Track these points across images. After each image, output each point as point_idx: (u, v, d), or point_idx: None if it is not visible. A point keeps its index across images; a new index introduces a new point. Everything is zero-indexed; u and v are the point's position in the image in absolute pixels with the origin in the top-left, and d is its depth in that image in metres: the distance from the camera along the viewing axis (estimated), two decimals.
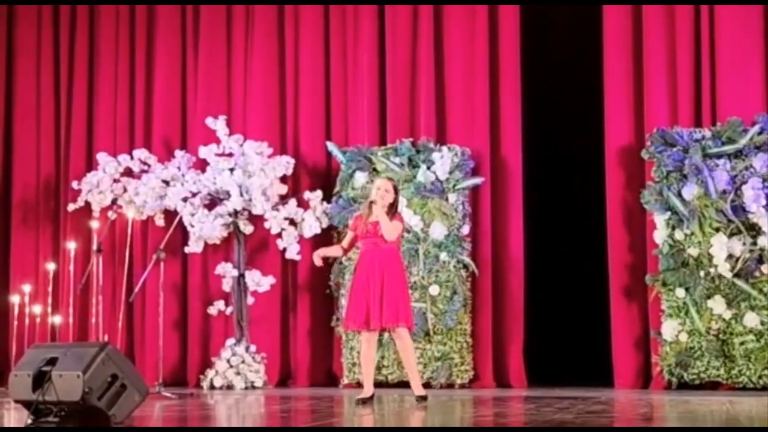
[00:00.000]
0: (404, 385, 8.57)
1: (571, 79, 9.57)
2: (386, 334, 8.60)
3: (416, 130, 9.04)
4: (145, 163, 9.44)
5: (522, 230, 8.79)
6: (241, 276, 9.08)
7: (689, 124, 8.34)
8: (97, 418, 5.70)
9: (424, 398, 6.96)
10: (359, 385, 8.70)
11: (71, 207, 9.57)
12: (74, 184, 9.57)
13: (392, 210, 7.00)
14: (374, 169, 8.86)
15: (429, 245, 8.63)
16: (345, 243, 7.26)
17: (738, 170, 8.00)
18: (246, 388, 8.78)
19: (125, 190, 9.39)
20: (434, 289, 8.56)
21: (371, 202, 6.99)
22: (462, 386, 8.53)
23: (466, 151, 8.77)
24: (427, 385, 8.50)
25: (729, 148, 8.03)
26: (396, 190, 7.09)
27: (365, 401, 6.93)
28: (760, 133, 7.98)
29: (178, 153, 9.40)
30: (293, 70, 9.49)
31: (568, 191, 9.41)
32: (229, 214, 9.05)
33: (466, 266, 8.64)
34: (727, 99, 8.27)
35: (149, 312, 9.36)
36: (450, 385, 8.54)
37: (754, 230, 7.89)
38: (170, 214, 9.21)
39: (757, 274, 7.88)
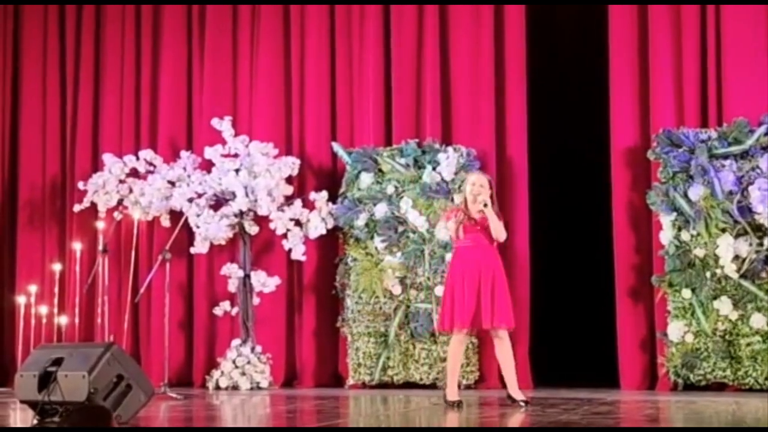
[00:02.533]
0: (410, 386, 8.58)
1: (576, 80, 9.56)
2: (387, 335, 8.61)
3: (422, 131, 9.03)
4: (150, 164, 9.45)
5: (528, 231, 8.77)
6: (247, 277, 9.08)
7: (695, 124, 8.32)
8: (99, 418, 5.69)
9: (526, 402, 6.85)
10: (365, 385, 8.71)
11: (77, 208, 9.58)
12: (80, 185, 9.58)
13: (493, 205, 6.91)
14: (380, 170, 8.85)
15: (434, 246, 8.62)
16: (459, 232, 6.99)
17: (744, 171, 7.97)
18: (251, 388, 8.78)
19: (131, 191, 9.40)
20: (440, 290, 8.53)
21: (477, 203, 6.87)
22: (468, 387, 8.51)
23: (472, 151, 8.76)
24: (432, 386, 8.52)
25: (735, 149, 8.01)
26: (491, 184, 7.03)
27: (459, 404, 6.86)
28: (766, 134, 7.95)
29: (184, 154, 9.41)
30: (299, 70, 9.49)
31: (573, 192, 9.39)
32: (235, 215, 9.05)
33: None
34: (733, 99, 8.25)
35: (155, 312, 9.36)
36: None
37: (760, 231, 7.87)
38: (176, 215, 9.21)
39: (763, 275, 7.85)
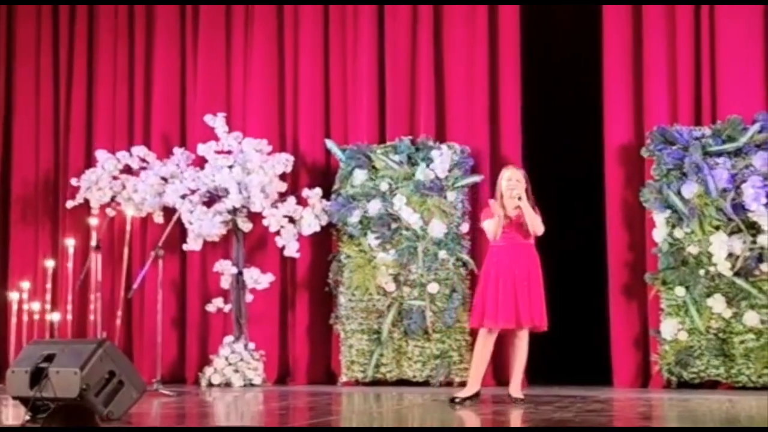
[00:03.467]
0: (403, 383, 8.58)
1: (571, 78, 9.55)
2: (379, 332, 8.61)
3: (416, 128, 9.02)
4: (144, 160, 9.43)
5: None
6: (240, 273, 9.06)
7: (689, 122, 8.32)
8: (82, 416, 5.69)
9: (522, 400, 6.88)
10: (358, 383, 8.71)
11: (70, 204, 9.55)
12: (73, 181, 9.56)
13: (529, 199, 6.89)
14: (373, 167, 8.85)
15: (428, 243, 8.62)
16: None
17: (738, 168, 7.98)
18: (244, 385, 8.77)
19: (124, 187, 9.38)
20: (433, 287, 8.55)
21: (512, 197, 6.87)
22: (461, 384, 8.48)
23: (466, 149, 8.76)
24: (425, 384, 8.52)
25: (729, 147, 8.01)
26: (526, 179, 7.00)
27: (472, 398, 6.90)
28: (760, 132, 7.96)
29: (177, 150, 9.39)
30: (292, 67, 9.48)
31: (567, 189, 9.38)
32: (228, 212, 9.04)
33: (465, 264, 8.63)
34: (727, 97, 8.26)
35: (148, 309, 9.34)
36: (449, 383, 8.53)
37: (754, 229, 7.87)
38: (169, 212, 9.19)
39: (757, 272, 7.86)
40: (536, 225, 6.86)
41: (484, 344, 6.98)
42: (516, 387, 7.00)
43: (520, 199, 6.84)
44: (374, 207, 8.75)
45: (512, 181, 6.92)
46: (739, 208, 7.91)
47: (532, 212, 6.86)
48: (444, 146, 8.73)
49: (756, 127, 7.98)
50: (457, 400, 6.90)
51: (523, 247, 6.92)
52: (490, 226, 6.96)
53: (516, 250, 6.90)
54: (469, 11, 9.02)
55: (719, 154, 8.04)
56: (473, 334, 8.56)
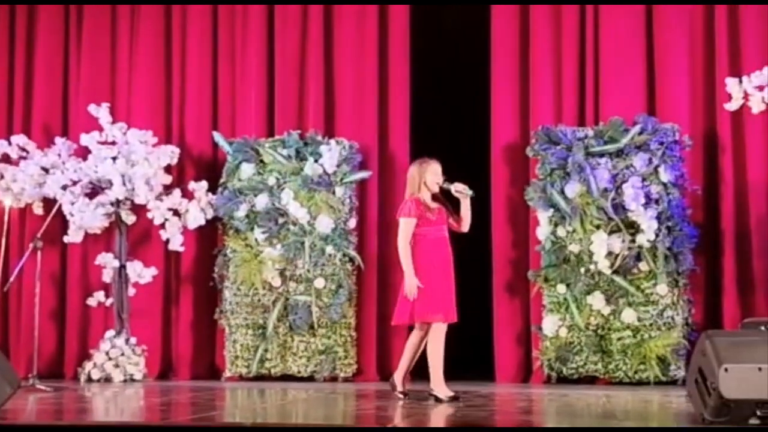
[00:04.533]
0: (288, 378, 8.54)
1: (459, 77, 9.64)
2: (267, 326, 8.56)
3: (304, 123, 8.99)
4: (23, 150, 9.16)
5: None
6: (122, 267, 8.89)
7: (573, 122, 8.49)
8: None
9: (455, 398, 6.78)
10: (242, 378, 8.64)
11: None
12: None
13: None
14: (261, 161, 8.78)
15: (315, 238, 8.59)
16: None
17: (619, 169, 8.17)
18: (125, 381, 8.61)
19: (2, 177, 9.10)
20: (319, 282, 8.53)
21: (440, 190, 6.85)
22: (345, 380, 8.52)
23: (354, 144, 8.77)
24: (310, 379, 8.50)
25: (610, 147, 8.20)
26: None
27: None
28: (640, 133, 8.16)
29: (59, 140, 9.15)
30: (180, 58, 9.34)
31: None
32: (111, 204, 8.86)
33: (352, 260, 8.63)
34: (609, 99, 8.46)
35: (25, 302, 9.09)
36: (333, 379, 8.53)
37: (633, 228, 8.07)
38: (49, 203, 8.95)
39: (635, 271, 8.06)
40: (469, 221, 6.94)
41: (421, 337, 6.91)
42: (438, 384, 6.85)
43: (460, 192, 6.88)
44: (261, 201, 8.69)
45: (437, 175, 6.95)
46: (619, 207, 8.10)
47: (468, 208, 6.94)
48: (333, 141, 8.72)
49: (636, 128, 8.18)
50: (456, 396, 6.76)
51: (448, 239, 6.94)
52: (401, 245, 6.83)
53: (446, 242, 6.92)
54: (359, 11, 9.04)
55: (601, 154, 8.22)
56: (358, 329, 8.61)
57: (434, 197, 6.99)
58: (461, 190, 6.96)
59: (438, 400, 6.68)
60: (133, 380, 8.66)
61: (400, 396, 6.94)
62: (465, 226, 7.04)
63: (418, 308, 6.79)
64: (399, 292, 6.96)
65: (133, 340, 8.81)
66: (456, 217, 7.03)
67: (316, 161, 8.66)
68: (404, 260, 6.81)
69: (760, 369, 4.96)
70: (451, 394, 6.72)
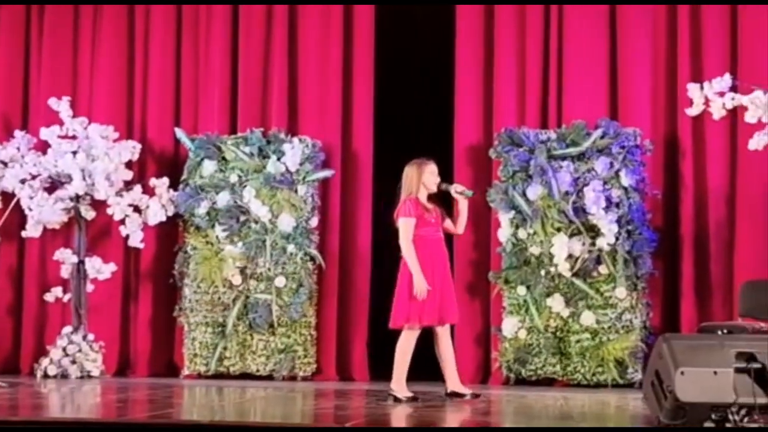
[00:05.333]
0: (246, 377, 8.50)
1: (424, 77, 9.63)
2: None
3: (267, 121, 8.95)
4: None
5: (370, 224, 8.81)
6: (81, 262, 8.81)
7: (536, 125, 8.52)
8: None
9: (476, 395, 6.77)
10: (200, 376, 8.59)
11: None
12: None
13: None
14: (223, 158, 8.74)
15: (277, 236, 8.56)
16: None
17: (580, 172, 8.21)
18: (82, 377, 8.54)
19: None
20: (280, 281, 8.50)
21: (438, 191, 6.81)
22: (304, 379, 8.50)
23: (317, 143, 8.74)
24: (269, 377, 8.47)
25: (572, 151, 8.23)
26: None
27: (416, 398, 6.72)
28: (602, 137, 8.20)
29: (18, 133, 9.04)
30: (143, 54, 9.26)
31: None
32: (71, 199, 8.78)
33: (313, 259, 8.61)
34: (572, 101, 8.49)
35: None
36: (292, 378, 8.50)
37: (593, 231, 8.11)
38: (7, 197, 8.85)
39: (594, 274, 8.11)
40: (465, 223, 6.93)
41: (411, 341, 6.82)
42: (455, 383, 6.87)
43: (460, 193, 6.86)
44: (223, 199, 8.64)
45: (435, 175, 6.89)
46: (580, 211, 8.14)
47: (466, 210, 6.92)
48: (296, 140, 8.70)
49: (598, 132, 8.22)
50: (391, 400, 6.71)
51: (440, 242, 6.88)
52: (404, 244, 6.74)
53: (442, 243, 6.88)
54: (323, 11, 9.01)
55: (563, 157, 8.25)
56: (318, 328, 8.59)
57: (429, 198, 6.93)
58: (461, 191, 6.92)
59: (397, 399, 6.65)
60: (90, 377, 8.59)
61: (404, 400, 6.71)
62: (461, 228, 7.04)
63: (412, 311, 6.70)
64: (395, 294, 6.84)
65: (90, 336, 8.74)
66: (450, 219, 6.99)
67: (278, 159, 8.63)
68: (410, 260, 6.69)
69: (715, 373, 5.00)
70: (410, 394, 6.70)
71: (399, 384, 6.72)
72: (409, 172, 6.94)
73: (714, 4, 8.35)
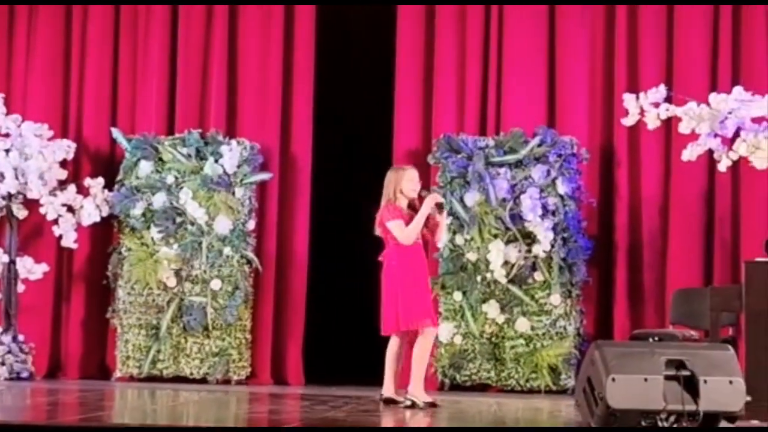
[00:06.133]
0: (180, 380, 8.42)
1: (364, 80, 9.63)
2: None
3: (206, 122, 8.90)
4: None
5: (308, 228, 8.80)
6: (12, 262, 8.67)
7: (475, 131, 8.57)
8: None
9: (433, 404, 6.64)
10: (132, 378, 8.50)
11: None
12: None
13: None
14: (160, 159, 8.65)
15: (213, 239, 8.50)
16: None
17: (518, 180, 8.27)
18: (11, 379, 8.39)
19: None
20: (216, 284, 8.44)
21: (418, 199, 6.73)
22: (239, 382, 8.45)
23: (256, 146, 8.70)
24: (203, 381, 8.40)
25: (510, 158, 8.30)
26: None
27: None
28: (539, 145, 8.28)
29: None
30: (79, 53, 9.14)
31: (356, 192, 9.43)
32: (2, 197, 8.64)
33: (249, 262, 8.56)
34: (511, 109, 8.55)
35: None
36: (227, 381, 8.44)
37: (529, 238, 8.18)
38: None
39: (530, 280, 8.17)
40: (445, 233, 6.88)
41: (398, 345, 6.78)
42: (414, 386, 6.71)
43: (441, 208, 6.75)
44: (159, 200, 8.56)
45: (414, 182, 6.78)
46: (517, 218, 8.20)
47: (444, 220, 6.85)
48: (234, 142, 8.65)
49: (536, 140, 8.29)
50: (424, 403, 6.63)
51: (422, 247, 6.84)
52: (411, 228, 6.69)
53: (422, 250, 6.83)
54: (264, 11, 8.97)
55: (501, 164, 8.31)
56: (253, 332, 8.55)
57: (409, 205, 6.83)
58: (440, 203, 6.82)
59: (414, 405, 6.57)
60: (19, 378, 8.45)
61: (402, 404, 6.65)
62: (438, 239, 6.97)
63: (405, 316, 6.64)
64: (383, 302, 6.82)
65: (20, 337, 8.60)
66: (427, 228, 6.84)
67: (216, 161, 8.57)
68: (418, 222, 6.66)
69: (646, 380, 5.06)
70: (429, 399, 6.64)
71: (419, 390, 6.64)
72: (389, 177, 6.87)
73: (650, 4, 8.46)
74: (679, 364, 5.11)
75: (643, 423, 5.12)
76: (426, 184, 8.49)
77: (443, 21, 8.71)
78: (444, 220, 6.96)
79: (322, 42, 9.02)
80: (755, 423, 5.76)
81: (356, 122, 9.53)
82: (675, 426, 5.07)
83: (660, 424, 5.07)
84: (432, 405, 6.62)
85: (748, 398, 5.18)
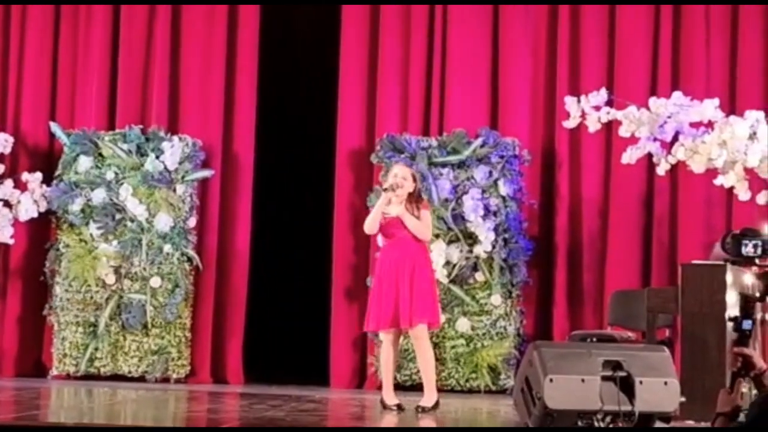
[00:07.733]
0: (118, 378, 8.33)
1: (308, 79, 9.61)
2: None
3: (147, 118, 8.81)
4: None
5: (249, 226, 8.76)
6: None
7: (418, 131, 8.58)
8: None
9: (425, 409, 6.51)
10: (69, 376, 8.39)
11: None
12: None
13: (413, 201, 6.56)
14: (100, 154, 8.56)
15: (153, 236, 8.43)
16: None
17: (460, 180, 8.31)
18: None
19: None
20: (156, 281, 8.37)
21: (385, 191, 6.51)
22: (178, 381, 8.38)
23: (198, 142, 8.64)
24: (141, 379, 8.32)
25: (453, 159, 8.33)
26: (416, 179, 6.65)
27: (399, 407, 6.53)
28: (482, 146, 8.32)
29: None
30: (18, 47, 8.99)
31: (298, 190, 9.45)
32: None
33: (190, 259, 8.50)
34: (454, 109, 8.59)
35: None
36: (165, 380, 8.37)
37: (471, 239, 8.22)
38: None
39: (471, 281, 8.21)
40: (419, 230, 6.55)
41: (388, 348, 6.64)
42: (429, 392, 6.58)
43: (389, 190, 6.53)
44: (98, 196, 8.47)
45: (398, 178, 6.61)
46: (459, 218, 8.24)
47: (408, 215, 6.54)
48: (175, 138, 8.58)
49: (479, 141, 8.33)
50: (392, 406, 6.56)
51: (409, 245, 6.59)
52: (369, 217, 6.65)
53: (401, 249, 6.58)
54: (208, 11, 8.91)
55: (444, 165, 8.34)
56: (193, 330, 8.49)
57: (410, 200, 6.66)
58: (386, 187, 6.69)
59: (425, 410, 6.50)
60: None
61: (394, 408, 6.57)
62: (414, 233, 6.61)
63: (404, 313, 6.50)
64: (369, 299, 6.74)
65: None
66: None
67: (157, 157, 8.49)
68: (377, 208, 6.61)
69: (583, 380, 5.10)
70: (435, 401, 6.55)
71: (432, 392, 6.57)
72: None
73: (592, 4, 8.55)
74: (616, 365, 5.16)
75: (580, 423, 5.17)
76: (369, 184, 8.54)
77: (387, 21, 8.71)
78: (402, 212, 6.60)
79: (266, 40, 8.99)
80: (690, 423, 5.85)
81: (299, 121, 9.51)
82: (611, 426, 5.12)
83: (596, 424, 5.12)
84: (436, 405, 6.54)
85: (683, 399, 5.27)
